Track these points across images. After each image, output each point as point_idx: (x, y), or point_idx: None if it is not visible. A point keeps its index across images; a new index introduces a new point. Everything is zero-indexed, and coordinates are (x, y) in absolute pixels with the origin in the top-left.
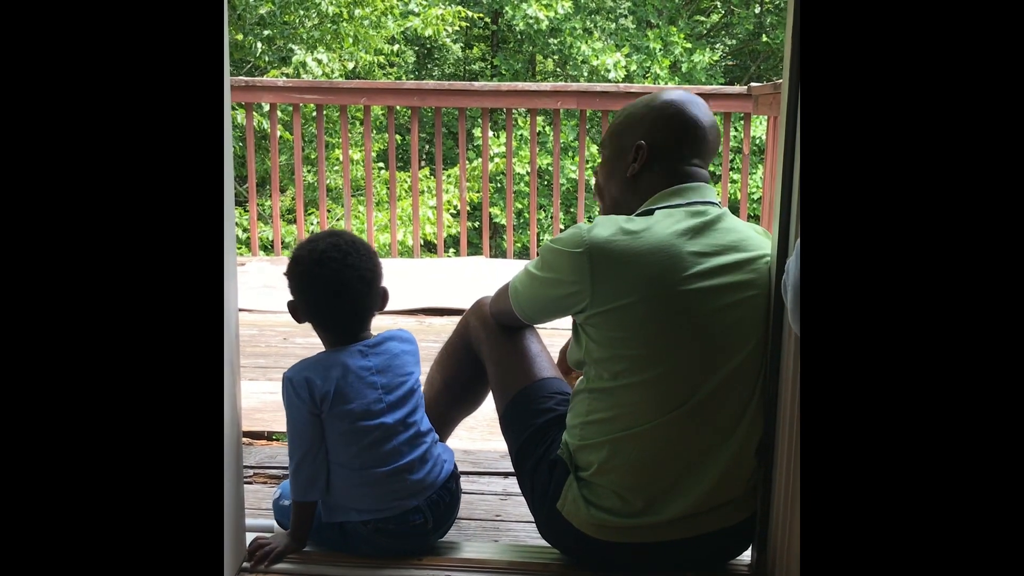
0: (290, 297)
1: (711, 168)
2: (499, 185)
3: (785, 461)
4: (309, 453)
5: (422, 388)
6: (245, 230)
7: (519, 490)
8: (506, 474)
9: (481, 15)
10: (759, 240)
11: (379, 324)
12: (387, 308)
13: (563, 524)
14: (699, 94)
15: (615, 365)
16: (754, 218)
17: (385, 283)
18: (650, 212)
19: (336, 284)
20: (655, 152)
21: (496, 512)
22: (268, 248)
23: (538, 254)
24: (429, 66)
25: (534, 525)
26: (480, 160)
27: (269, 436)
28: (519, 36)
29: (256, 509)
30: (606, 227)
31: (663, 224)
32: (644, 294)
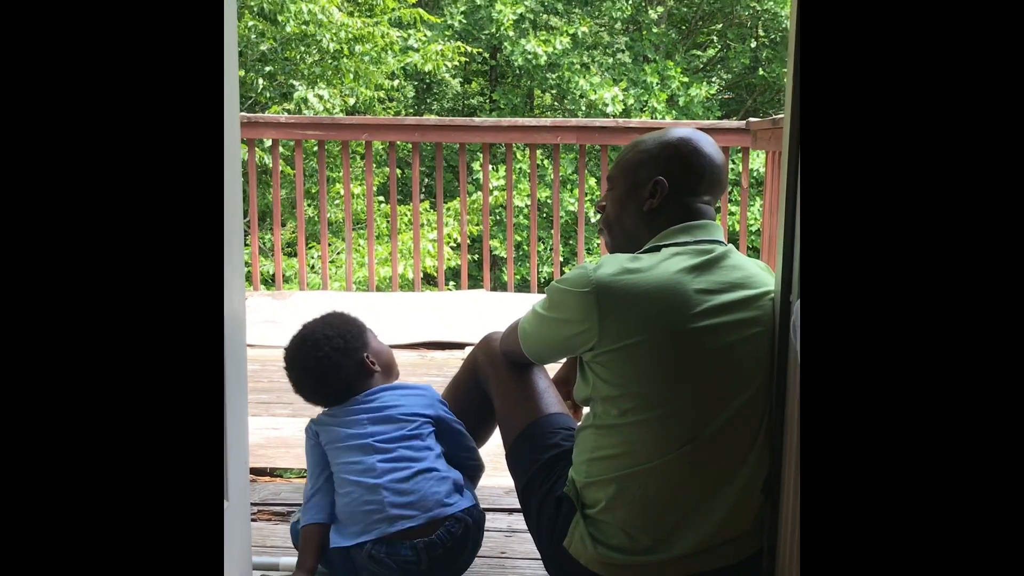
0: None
1: None
2: (499, 218)
3: (791, 496)
4: (311, 477)
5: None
6: (246, 264)
7: (524, 527)
8: (510, 510)
9: (480, 50)
10: (764, 277)
11: None
12: (389, 342)
13: (570, 562)
14: (698, 128)
15: (624, 403)
16: (753, 250)
17: (385, 319)
18: (657, 249)
19: (306, 383)
20: (671, 188)
21: (501, 549)
22: (270, 282)
23: (544, 294)
24: (428, 100)
25: (540, 562)
26: (480, 193)
27: (272, 472)
28: (517, 71)
29: (260, 547)
30: (611, 266)
31: (669, 261)
32: (652, 332)
